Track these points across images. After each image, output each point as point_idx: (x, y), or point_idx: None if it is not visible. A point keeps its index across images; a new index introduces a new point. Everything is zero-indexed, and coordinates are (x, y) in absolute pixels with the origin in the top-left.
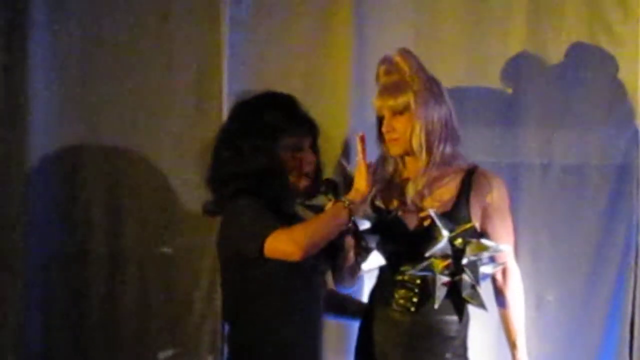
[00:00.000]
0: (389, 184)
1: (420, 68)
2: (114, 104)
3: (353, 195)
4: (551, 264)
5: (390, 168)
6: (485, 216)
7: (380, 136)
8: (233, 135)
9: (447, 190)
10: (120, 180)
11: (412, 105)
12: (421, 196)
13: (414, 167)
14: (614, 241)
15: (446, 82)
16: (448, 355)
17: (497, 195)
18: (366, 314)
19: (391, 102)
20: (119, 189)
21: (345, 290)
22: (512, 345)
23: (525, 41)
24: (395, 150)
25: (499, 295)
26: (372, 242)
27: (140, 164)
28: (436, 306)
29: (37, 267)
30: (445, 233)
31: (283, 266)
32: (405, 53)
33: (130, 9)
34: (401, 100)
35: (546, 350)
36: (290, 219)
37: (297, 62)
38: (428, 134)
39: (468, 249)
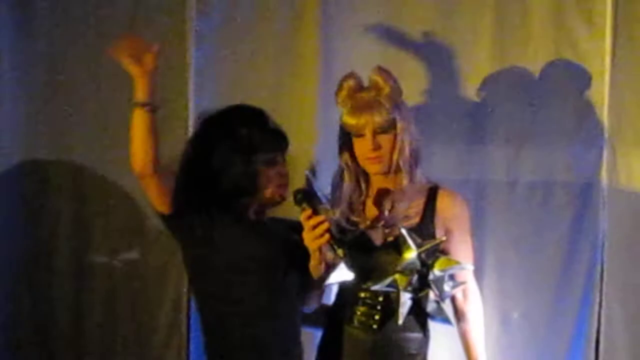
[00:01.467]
0: (350, 201)
1: (398, 86)
2: (80, 116)
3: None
4: (517, 280)
5: (350, 185)
6: (447, 235)
7: (347, 153)
8: (203, 153)
9: (413, 207)
10: (87, 191)
11: (399, 124)
12: (396, 213)
13: (382, 185)
14: (580, 258)
15: (414, 99)
16: None
17: (459, 215)
18: (325, 332)
19: (377, 119)
20: (86, 199)
21: (307, 310)
22: None
23: (491, 58)
24: (376, 168)
25: (459, 314)
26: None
27: (107, 176)
28: (400, 322)
29: (1, 275)
30: (414, 248)
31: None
32: (384, 72)
33: (95, 23)
34: (388, 117)
35: None
36: (258, 228)
37: (264, 77)
38: (412, 153)
39: (437, 264)
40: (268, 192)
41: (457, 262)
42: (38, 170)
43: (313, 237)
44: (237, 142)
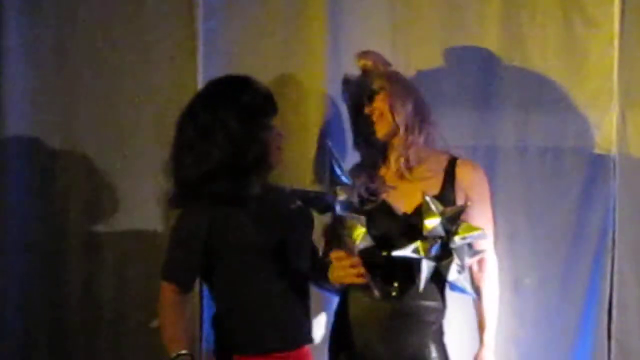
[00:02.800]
0: (369, 170)
1: (382, 60)
2: (89, 93)
3: None
4: (528, 246)
5: (368, 155)
6: (467, 203)
7: (360, 129)
8: (215, 123)
9: (433, 176)
10: (96, 166)
11: (386, 85)
12: (408, 169)
13: (398, 151)
14: (591, 223)
15: (422, 65)
16: (426, 340)
17: (478, 183)
18: (343, 299)
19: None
20: (96, 175)
21: (330, 293)
22: (481, 332)
23: (500, 24)
24: (381, 129)
25: (474, 285)
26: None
27: (115, 151)
28: (421, 289)
29: (14, 254)
30: (437, 214)
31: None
32: (364, 53)
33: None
34: (375, 79)
35: (524, 333)
36: (250, 200)
37: (272, 49)
38: (415, 111)
39: (459, 232)
40: (273, 157)
41: (479, 229)
42: (48, 155)
43: (347, 275)
44: (243, 109)
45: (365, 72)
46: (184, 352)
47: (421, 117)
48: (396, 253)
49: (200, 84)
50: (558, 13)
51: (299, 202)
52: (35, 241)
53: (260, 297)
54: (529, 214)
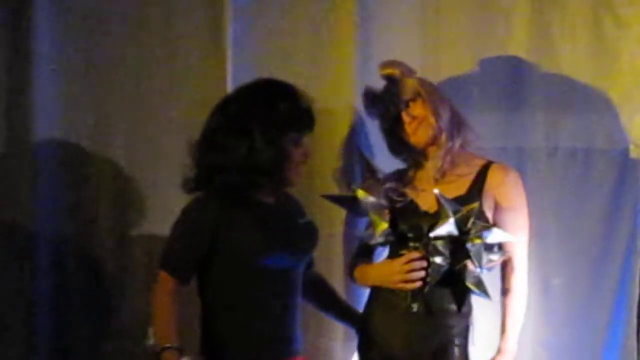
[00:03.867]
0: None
1: (406, 68)
2: (118, 95)
3: None
4: (557, 247)
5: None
6: (498, 209)
7: (396, 138)
8: (242, 121)
9: (463, 178)
10: (126, 168)
11: (421, 91)
12: (442, 173)
13: (433, 156)
14: (620, 224)
15: (452, 68)
16: (448, 345)
17: (510, 189)
18: (369, 300)
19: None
20: (125, 175)
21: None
22: (500, 338)
23: (529, 25)
24: (422, 135)
25: (504, 286)
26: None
27: (144, 151)
28: (426, 289)
29: (46, 250)
30: (450, 213)
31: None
32: (389, 63)
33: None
34: (409, 86)
35: (552, 334)
36: (263, 207)
37: (301, 50)
38: (452, 117)
39: (473, 229)
40: (291, 173)
41: (493, 227)
42: (78, 157)
43: (404, 278)
44: (275, 116)
45: (391, 81)
46: (172, 345)
47: (458, 120)
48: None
49: (228, 85)
50: (588, 14)
51: (309, 217)
52: (67, 240)
53: (252, 304)
54: (558, 215)
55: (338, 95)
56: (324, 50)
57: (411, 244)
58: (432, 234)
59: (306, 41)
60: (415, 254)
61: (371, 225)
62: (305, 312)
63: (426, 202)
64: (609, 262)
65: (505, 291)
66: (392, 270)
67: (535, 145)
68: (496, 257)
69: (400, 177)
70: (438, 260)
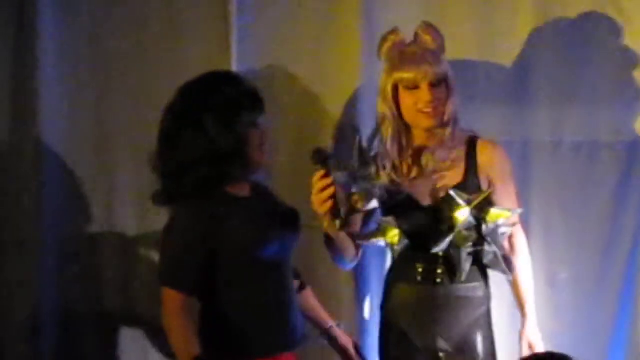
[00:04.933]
0: (393, 160)
1: (443, 44)
2: (125, 93)
3: None
4: (563, 241)
5: (393, 143)
6: (492, 184)
7: (391, 108)
8: (193, 113)
9: (456, 162)
10: (131, 167)
11: (450, 76)
12: (440, 167)
13: (422, 142)
14: (626, 218)
15: (457, 63)
16: (474, 325)
17: (500, 163)
18: (386, 293)
19: (436, 70)
20: (130, 174)
21: (345, 267)
22: (522, 307)
23: (533, 17)
24: (430, 122)
25: (507, 261)
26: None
27: (149, 151)
28: (463, 278)
29: (51, 251)
30: (465, 205)
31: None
32: (431, 28)
33: None
34: (443, 69)
35: (559, 328)
36: (243, 201)
37: (306, 45)
38: (457, 106)
39: (488, 217)
40: (255, 155)
41: (508, 211)
42: (84, 157)
43: (318, 201)
44: (223, 101)
45: (419, 43)
46: (200, 355)
47: (457, 115)
48: (435, 250)
49: None
50: (593, 5)
51: (287, 205)
52: (72, 242)
53: (254, 299)
54: (564, 209)
55: (343, 87)
56: (329, 44)
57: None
58: (453, 229)
59: (311, 35)
60: (318, 175)
61: (382, 232)
62: None
63: (420, 192)
64: (615, 255)
65: (512, 264)
66: (314, 203)
67: (540, 139)
68: (506, 230)
69: (391, 163)
70: (464, 250)
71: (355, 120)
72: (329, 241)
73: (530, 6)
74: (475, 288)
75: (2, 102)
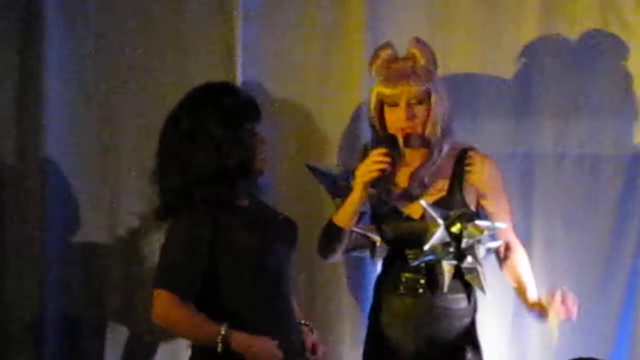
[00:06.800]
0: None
1: (434, 59)
2: (129, 102)
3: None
4: (565, 254)
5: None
6: (480, 196)
7: (379, 122)
8: (199, 127)
9: (441, 177)
10: (138, 177)
11: (433, 96)
12: (422, 187)
13: (411, 157)
14: (628, 231)
15: (460, 75)
16: (458, 334)
17: (489, 176)
18: (374, 302)
19: (413, 89)
20: (137, 187)
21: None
22: (524, 291)
23: (538, 31)
24: (413, 141)
25: (504, 263)
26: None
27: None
28: (445, 290)
29: (55, 259)
30: (440, 222)
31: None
32: (421, 43)
33: (143, 4)
34: (423, 88)
35: (561, 342)
36: (243, 210)
37: (311, 55)
38: (442, 126)
39: (465, 234)
40: (258, 163)
41: (485, 228)
42: (88, 167)
43: (367, 168)
44: (227, 112)
45: (407, 59)
46: (223, 329)
47: (445, 134)
48: (414, 263)
49: (239, 84)
50: (597, 20)
51: (285, 213)
52: (76, 249)
53: (251, 307)
54: (567, 221)
55: (347, 97)
56: (333, 55)
57: (409, 253)
58: (425, 247)
59: (316, 46)
60: (381, 150)
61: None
62: (310, 312)
63: (407, 205)
64: (617, 266)
65: (508, 265)
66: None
67: (543, 151)
68: (493, 244)
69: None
70: (445, 262)
71: (359, 129)
72: (332, 231)
73: (534, 20)
74: (457, 300)
75: (8, 108)
